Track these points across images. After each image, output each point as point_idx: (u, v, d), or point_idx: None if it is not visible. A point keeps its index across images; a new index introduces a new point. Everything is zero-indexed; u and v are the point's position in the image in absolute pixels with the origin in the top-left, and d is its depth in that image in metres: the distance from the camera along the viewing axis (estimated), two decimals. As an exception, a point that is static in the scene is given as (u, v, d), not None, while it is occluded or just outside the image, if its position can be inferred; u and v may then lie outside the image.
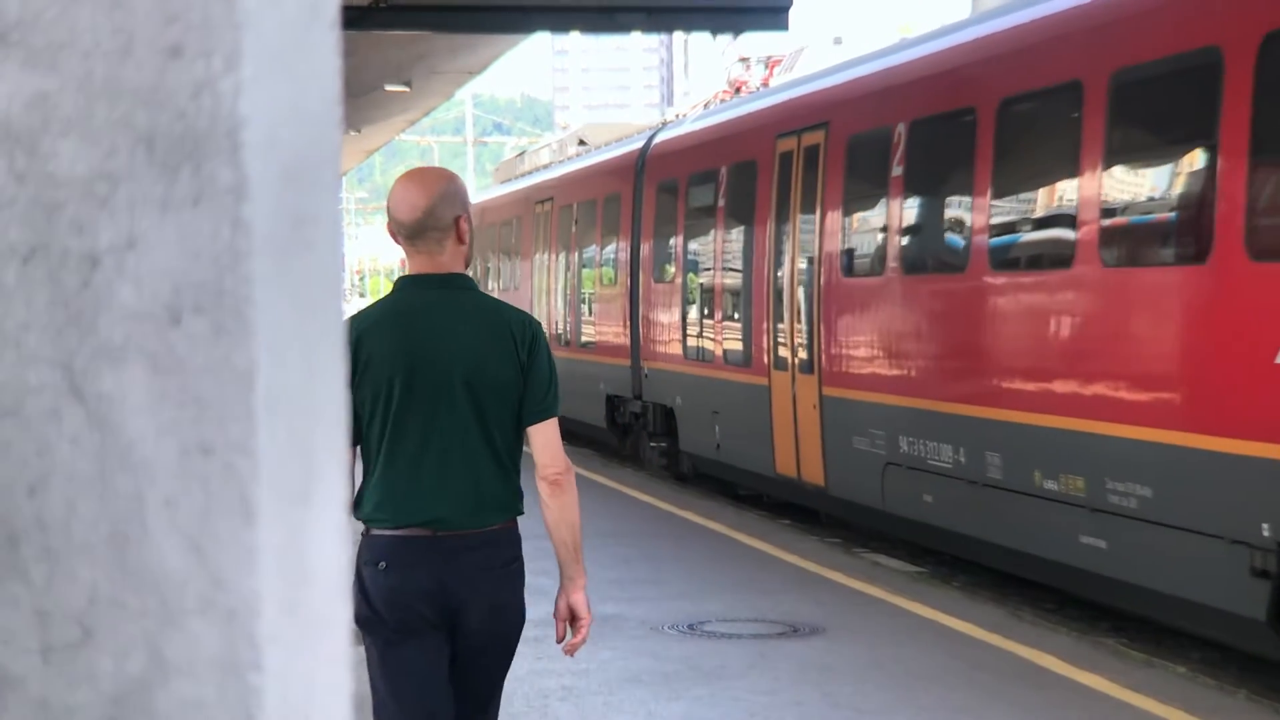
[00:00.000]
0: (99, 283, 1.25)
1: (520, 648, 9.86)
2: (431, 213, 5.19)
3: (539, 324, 5.38)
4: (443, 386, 5.17)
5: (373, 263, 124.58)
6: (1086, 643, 10.37)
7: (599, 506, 16.62)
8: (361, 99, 25.25)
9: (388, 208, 5.33)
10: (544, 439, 5.23)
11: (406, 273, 5.38)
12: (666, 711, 8.62)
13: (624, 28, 14.39)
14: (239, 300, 1.21)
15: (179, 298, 1.23)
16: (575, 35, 19.14)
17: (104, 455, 1.26)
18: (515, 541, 5.31)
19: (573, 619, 5.41)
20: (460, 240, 5.24)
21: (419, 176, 5.36)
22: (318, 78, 1.24)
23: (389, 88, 23.65)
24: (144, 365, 1.24)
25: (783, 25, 13.37)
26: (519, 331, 5.25)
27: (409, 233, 5.22)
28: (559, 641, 5.45)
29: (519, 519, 5.38)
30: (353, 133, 31.13)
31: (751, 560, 13.38)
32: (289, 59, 1.23)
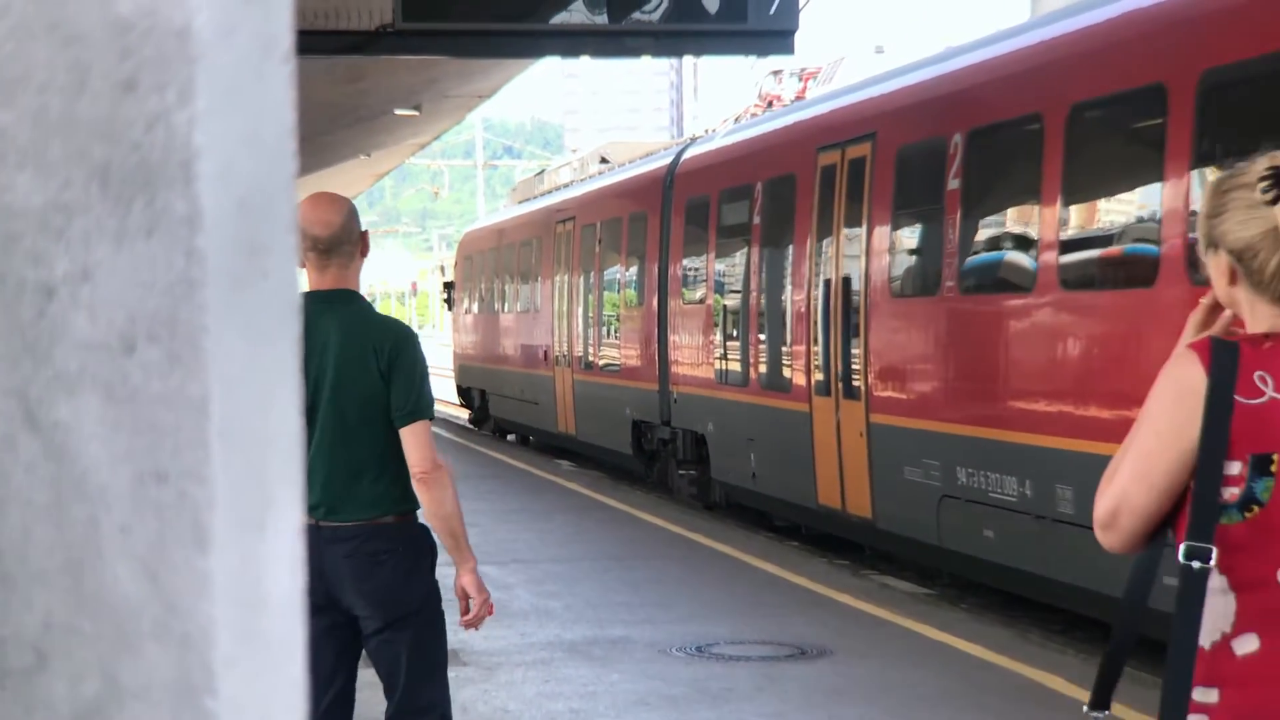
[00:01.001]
0: (54, 313, 1.27)
1: (528, 671, 9.97)
2: (345, 227, 5.83)
3: (406, 334, 5.89)
4: (318, 397, 5.75)
5: (383, 285, 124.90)
6: (1094, 664, 10.35)
7: (607, 530, 16.63)
8: (371, 123, 25.32)
9: (300, 227, 5.76)
10: (412, 441, 5.74)
11: (309, 288, 5.91)
12: (673, 734, 8.63)
13: (633, 52, 14.39)
14: (193, 330, 1.23)
15: (133, 327, 1.25)
16: (585, 59, 19.22)
17: (59, 483, 1.28)
18: (388, 536, 5.82)
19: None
20: (364, 254, 5.90)
21: (326, 197, 6.01)
22: (271, 110, 1.26)
23: (399, 112, 23.70)
24: (99, 394, 1.26)
25: (789, 49, 13.35)
26: (379, 343, 5.77)
27: (325, 247, 5.81)
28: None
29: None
30: (363, 156, 31.20)
31: (759, 582, 13.38)
32: (243, 92, 1.25)
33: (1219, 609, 3.27)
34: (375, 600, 5.85)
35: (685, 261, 19.92)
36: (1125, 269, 10.80)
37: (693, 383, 19.43)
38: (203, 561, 1.24)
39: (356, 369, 5.76)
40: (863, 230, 14.43)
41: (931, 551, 13.49)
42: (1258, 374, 3.22)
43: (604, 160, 28.15)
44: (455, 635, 11.21)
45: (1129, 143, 11.14)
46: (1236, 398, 3.20)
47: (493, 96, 25.22)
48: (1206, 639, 3.28)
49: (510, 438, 31.30)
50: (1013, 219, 12.34)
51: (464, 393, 35.39)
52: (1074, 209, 11.40)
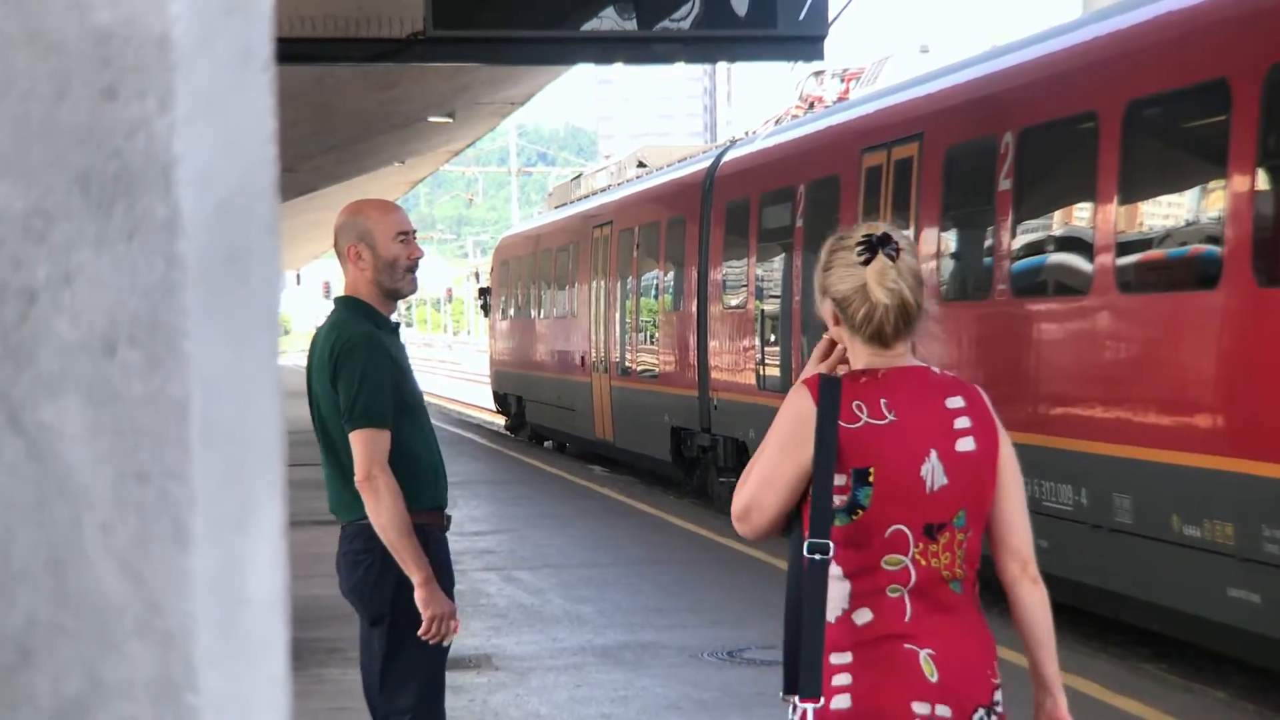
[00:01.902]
0: (37, 316, 1.30)
1: (560, 676, 9.98)
2: (335, 240, 6.11)
3: (353, 341, 5.90)
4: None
5: (419, 292, 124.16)
6: (1126, 668, 10.33)
7: (639, 535, 16.64)
8: (405, 130, 25.37)
9: None
10: (353, 448, 5.82)
11: None
12: (703, 739, 8.63)
13: (664, 58, 14.39)
14: (173, 333, 1.26)
15: (114, 330, 1.27)
16: (618, 65, 19.27)
17: (42, 483, 1.30)
18: (366, 537, 5.90)
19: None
20: (354, 262, 6.01)
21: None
22: (251, 117, 1.28)
23: (432, 119, 23.73)
24: (80, 396, 1.29)
25: (818, 55, 13.33)
26: (328, 351, 5.92)
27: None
28: None
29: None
30: (397, 164, 31.26)
31: (792, 587, 13.36)
32: (222, 100, 1.27)
33: (839, 592, 4.06)
34: (355, 598, 6.04)
35: (725, 266, 19.66)
36: (1186, 271, 10.51)
37: (734, 389, 19.18)
38: (184, 560, 1.26)
39: (321, 377, 5.94)
40: (909, 232, 14.05)
41: (981, 561, 13.13)
42: (855, 403, 4.07)
43: (641, 164, 27.98)
44: (488, 640, 11.29)
45: (1190, 140, 10.82)
46: (840, 424, 4.01)
47: (526, 103, 25.23)
48: (832, 615, 4.05)
49: (547, 444, 31.31)
50: (1067, 220, 12.02)
51: (500, 399, 35.42)
52: (1131, 209, 11.10)
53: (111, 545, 1.28)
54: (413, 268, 6.08)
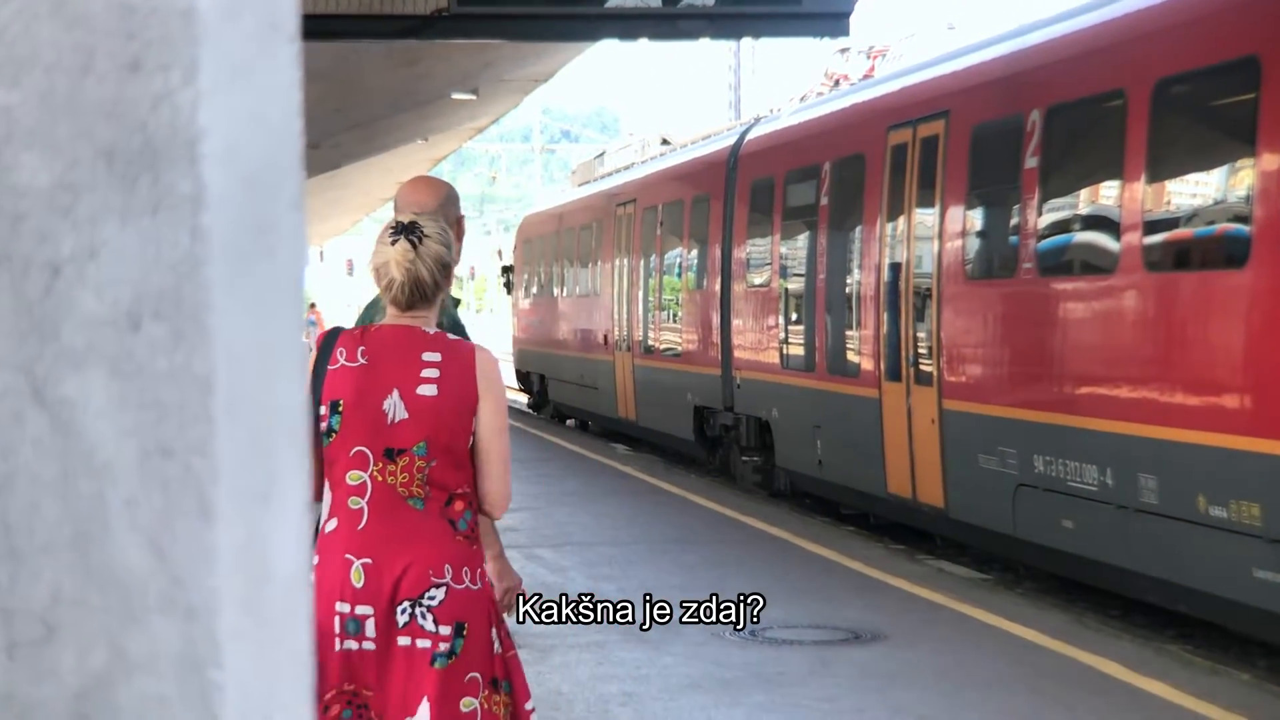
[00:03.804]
0: (61, 290, 1.29)
1: (581, 654, 10.00)
2: (446, 212, 6.03)
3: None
4: None
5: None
6: (1150, 649, 10.31)
7: (662, 514, 16.64)
8: (428, 107, 25.35)
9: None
10: None
11: None
12: (726, 717, 8.63)
13: (689, 34, 14.35)
14: (198, 307, 1.25)
15: (139, 305, 1.27)
16: (642, 42, 19.26)
17: (66, 458, 1.30)
18: None
19: None
20: (457, 240, 5.98)
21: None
22: (277, 90, 1.28)
23: (456, 96, 23.71)
24: (105, 370, 1.28)
25: (844, 31, 13.29)
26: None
27: None
28: None
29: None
30: (420, 141, 31.25)
31: (815, 567, 13.36)
32: (248, 72, 1.26)
33: (324, 503, 4.88)
34: None
35: (749, 244, 19.49)
36: (1214, 250, 10.40)
37: (757, 368, 19.04)
38: (208, 535, 1.26)
39: None
40: (935, 211, 14.02)
41: (1006, 541, 13.17)
42: (339, 350, 5.04)
43: (665, 142, 27.88)
44: (510, 619, 11.28)
45: (1219, 119, 10.77)
46: (327, 366, 4.97)
47: (549, 80, 25.19)
48: (320, 523, 4.85)
49: (570, 422, 31.31)
50: (1094, 198, 11.91)
51: (523, 377, 35.42)
52: (1159, 188, 10.99)
53: (136, 520, 1.27)
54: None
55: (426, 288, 5.11)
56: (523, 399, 36.89)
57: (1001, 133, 13.10)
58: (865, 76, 18.66)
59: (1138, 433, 10.94)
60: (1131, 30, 11.69)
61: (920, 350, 14.32)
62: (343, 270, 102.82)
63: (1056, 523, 12.05)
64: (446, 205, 6.01)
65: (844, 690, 9.17)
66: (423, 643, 4.92)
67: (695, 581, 12.47)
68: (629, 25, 14.05)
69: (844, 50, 20.04)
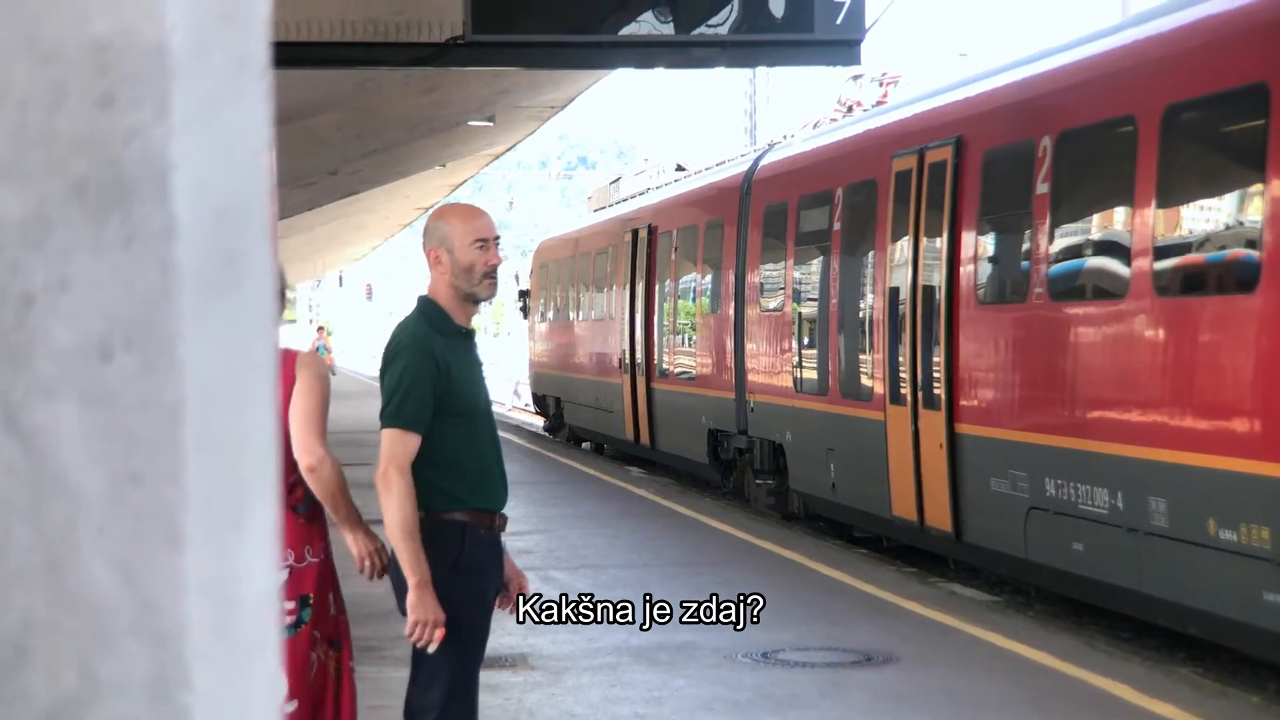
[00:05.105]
0: (34, 321, 1.32)
1: (594, 676, 10.02)
2: (422, 245, 6.26)
3: (401, 343, 6.09)
4: None
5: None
6: (1160, 672, 10.30)
7: (675, 537, 16.65)
8: (446, 134, 25.45)
9: None
10: (382, 445, 5.98)
11: None
12: (735, 741, 8.64)
13: (704, 63, 14.41)
14: (169, 337, 1.28)
15: (111, 335, 1.29)
16: (659, 70, 19.27)
17: (38, 484, 1.33)
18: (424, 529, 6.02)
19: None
20: (434, 268, 6.18)
21: None
22: (247, 125, 1.30)
23: (472, 123, 23.80)
24: (77, 399, 1.31)
25: (855, 59, 13.36)
26: (385, 349, 6.15)
27: None
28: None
29: (449, 511, 6.11)
30: (438, 167, 31.35)
31: (826, 589, 13.37)
32: (218, 108, 1.29)
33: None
34: (395, 591, 6.11)
35: (763, 269, 19.60)
36: (1224, 275, 10.45)
37: (770, 391, 19.11)
38: (178, 561, 1.28)
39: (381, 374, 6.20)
40: (946, 236, 14.11)
41: (1017, 564, 13.20)
42: None
43: (680, 168, 27.99)
44: (524, 640, 11.33)
45: (1228, 145, 10.79)
46: None
47: (565, 107, 25.27)
48: None
49: (585, 445, 31.35)
50: (1104, 224, 11.97)
51: (539, 400, 35.48)
52: (1169, 213, 11.03)
53: (107, 546, 1.30)
54: (490, 273, 6.18)
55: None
56: (538, 422, 36.92)
57: (1013, 158, 13.15)
58: (878, 103, 18.72)
59: (1148, 456, 10.97)
60: (1141, 57, 11.74)
61: (931, 374, 14.35)
62: (362, 295, 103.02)
63: (1068, 546, 12.06)
64: (423, 238, 6.25)
65: (854, 713, 9.17)
66: None
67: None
68: (645, 53, 14.12)
69: (857, 77, 20.14)
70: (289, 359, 5.88)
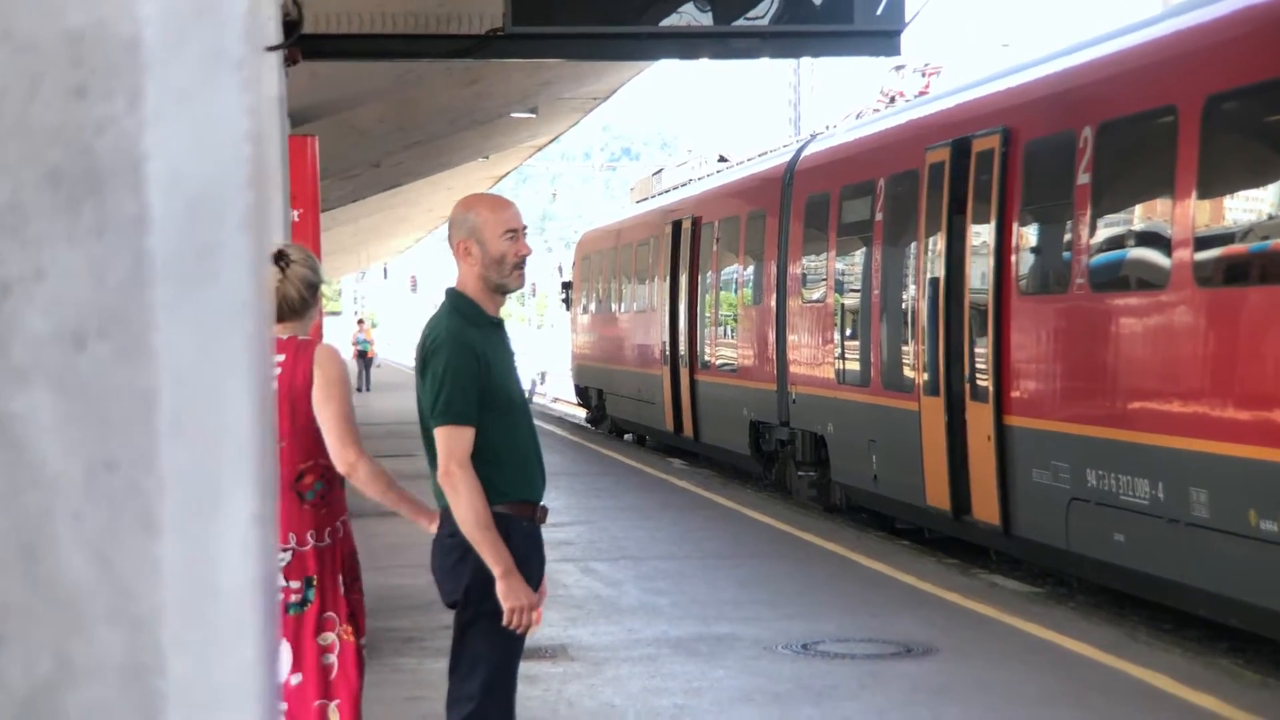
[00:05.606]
0: (9, 311, 1.33)
1: (634, 667, 10.03)
2: (448, 235, 6.23)
3: (439, 338, 6.04)
4: None
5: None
6: (1201, 663, 10.25)
7: (716, 528, 16.64)
8: (489, 125, 25.47)
9: None
10: (436, 443, 5.96)
11: None
12: (773, 731, 8.64)
13: (746, 54, 14.37)
14: (142, 326, 1.29)
15: (85, 324, 1.30)
16: (703, 60, 19.24)
17: (14, 472, 1.34)
18: (451, 523, 5.99)
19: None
20: (463, 259, 6.14)
21: None
22: (222, 116, 1.31)
23: (515, 114, 23.81)
24: (51, 388, 1.32)
25: (895, 50, 13.31)
26: (421, 346, 6.11)
27: None
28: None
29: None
30: (481, 159, 31.38)
31: (867, 581, 13.34)
32: (191, 99, 1.30)
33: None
34: (436, 580, 6.16)
35: (805, 260, 19.52)
36: (1265, 265, 10.41)
37: (812, 383, 19.05)
38: (153, 548, 1.29)
39: (417, 370, 6.17)
40: (990, 227, 14.10)
41: (1059, 555, 13.16)
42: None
43: (722, 159, 27.95)
44: (564, 631, 11.34)
45: (1268, 134, 10.80)
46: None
47: (608, 99, 25.26)
48: None
49: (627, 437, 31.35)
50: (1146, 214, 11.93)
51: (581, 392, 35.50)
52: (1210, 203, 10.99)
53: (82, 533, 1.31)
54: (520, 264, 6.15)
55: (294, 304, 6.14)
56: (580, 414, 36.93)
57: (1055, 149, 13.10)
58: (920, 93, 18.67)
59: (1189, 447, 10.93)
60: (1182, 47, 11.71)
61: (974, 365, 14.31)
62: (406, 286, 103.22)
63: (1109, 536, 12.04)
64: (450, 229, 6.23)
65: (893, 704, 9.16)
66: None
67: (749, 596, 12.49)
68: (687, 45, 14.10)
69: (899, 68, 20.10)
70: (305, 350, 6.14)
